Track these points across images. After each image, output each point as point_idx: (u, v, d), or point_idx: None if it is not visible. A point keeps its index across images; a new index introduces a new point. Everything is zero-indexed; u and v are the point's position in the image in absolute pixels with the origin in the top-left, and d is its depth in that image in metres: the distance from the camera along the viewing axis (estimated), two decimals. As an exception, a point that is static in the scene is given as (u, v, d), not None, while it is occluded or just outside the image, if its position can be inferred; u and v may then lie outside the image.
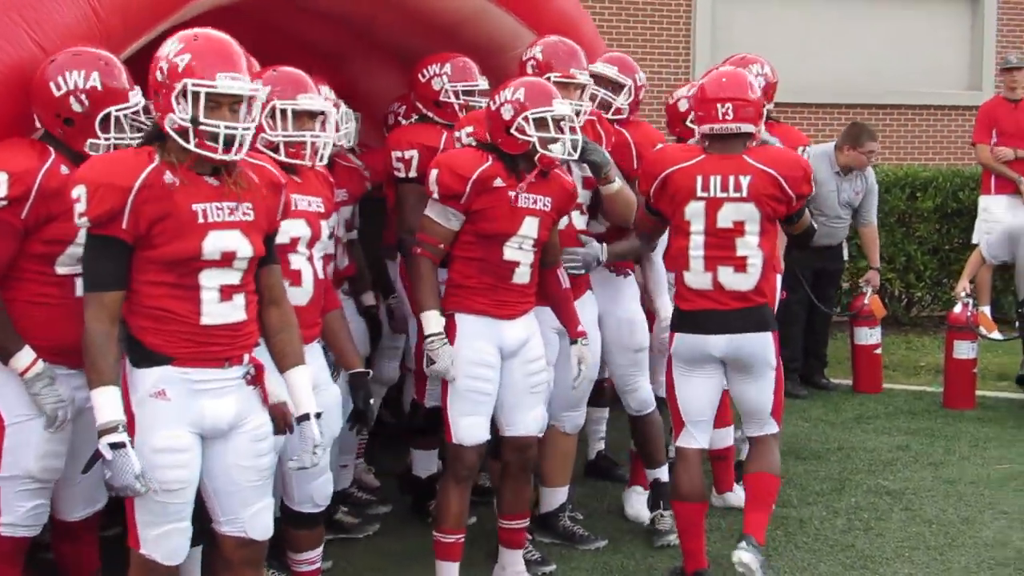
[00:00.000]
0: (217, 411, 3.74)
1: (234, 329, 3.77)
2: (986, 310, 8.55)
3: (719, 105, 4.94)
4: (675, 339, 5.14)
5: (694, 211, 5.00)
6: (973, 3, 15.17)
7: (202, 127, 3.57)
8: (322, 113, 4.43)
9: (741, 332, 5.04)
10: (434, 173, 4.77)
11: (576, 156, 4.97)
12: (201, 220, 3.65)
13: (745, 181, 4.96)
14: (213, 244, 3.67)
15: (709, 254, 5.00)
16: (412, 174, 5.59)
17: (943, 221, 11.41)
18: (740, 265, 5.01)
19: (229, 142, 3.60)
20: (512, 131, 4.77)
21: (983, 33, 15.09)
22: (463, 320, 4.84)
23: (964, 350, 8.47)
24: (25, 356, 4.03)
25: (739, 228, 4.99)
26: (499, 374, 4.91)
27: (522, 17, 6.32)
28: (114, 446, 3.50)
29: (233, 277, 3.75)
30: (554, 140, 4.79)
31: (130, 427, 3.60)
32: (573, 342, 5.11)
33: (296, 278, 4.33)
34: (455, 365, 4.77)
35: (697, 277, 5.03)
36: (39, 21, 4.12)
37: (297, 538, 4.67)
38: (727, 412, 6.12)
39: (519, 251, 4.88)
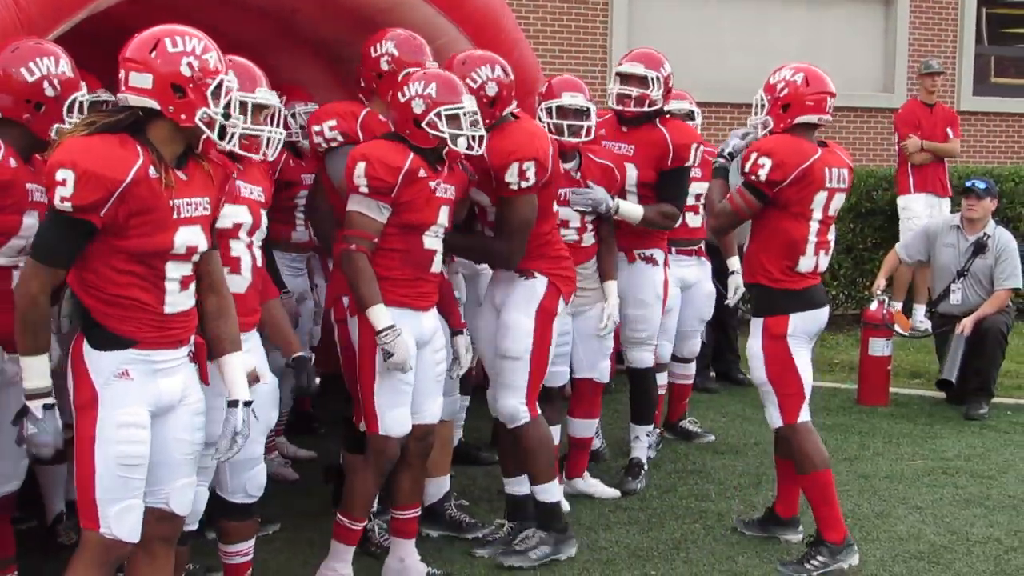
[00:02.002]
0: (170, 388, 3.86)
1: (186, 314, 3.92)
2: (898, 306, 8.72)
3: (829, 99, 5.39)
4: (791, 320, 5.38)
5: (819, 200, 5.34)
6: (886, 8, 15.43)
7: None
8: (270, 107, 4.47)
9: (827, 303, 5.64)
10: (361, 166, 4.75)
11: (481, 150, 4.99)
12: (176, 216, 3.76)
13: (846, 174, 5.49)
14: (181, 239, 3.79)
15: (819, 240, 5.39)
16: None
17: (857, 221, 11.59)
18: (828, 248, 5.52)
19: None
20: (423, 125, 4.81)
21: (896, 37, 15.36)
22: None
23: (879, 347, 8.62)
24: None
25: (836, 216, 5.54)
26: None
27: (443, 9, 6.31)
28: (47, 407, 3.71)
29: (189, 268, 3.88)
30: (460, 135, 4.86)
31: (94, 404, 3.71)
32: (456, 333, 5.24)
33: (236, 265, 4.38)
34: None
35: (808, 261, 5.43)
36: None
37: (230, 529, 4.70)
38: (597, 405, 6.40)
39: (435, 239, 4.96)
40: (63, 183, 3.56)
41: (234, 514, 4.65)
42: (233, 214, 4.34)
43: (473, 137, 4.91)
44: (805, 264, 5.40)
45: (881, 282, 8.85)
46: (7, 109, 4.21)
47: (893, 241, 10.33)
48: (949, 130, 10.94)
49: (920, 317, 8.98)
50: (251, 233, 4.45)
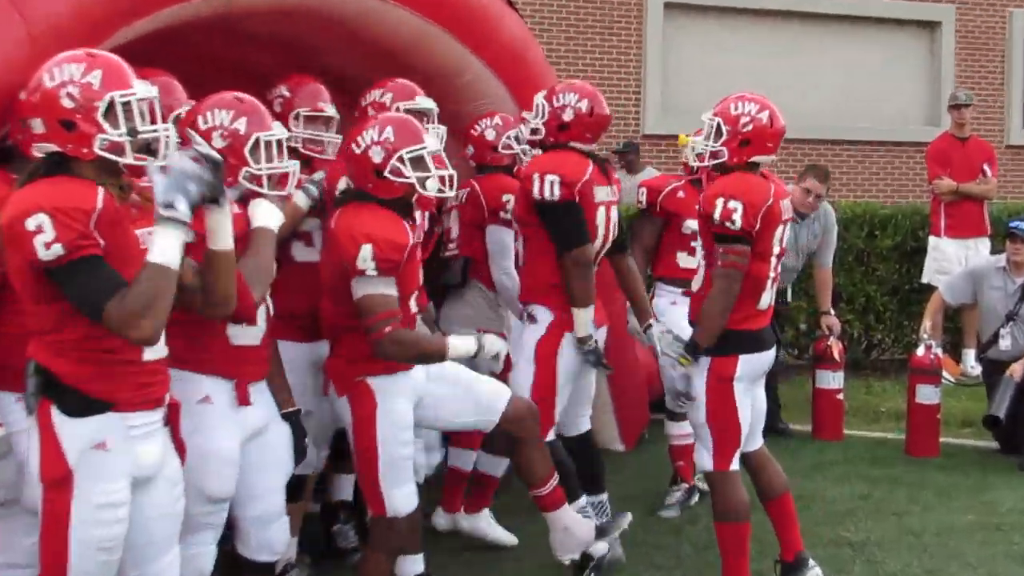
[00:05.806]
0: (149, 455, 3.70)
1: (163, 363, 3.76)
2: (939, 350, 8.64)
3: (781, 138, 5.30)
4: (741, 361, 5.24)
5: (778, 234, 5.25)
6: (931, 34, 15.40)
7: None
8: None
9: (775, 343, 5.50)
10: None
11: (452, 191, 4.93)
12: (141, 246, 3.57)
13: (789, 203, 5.40)
14: None
15: (775, 275, 5.29)
16: None
17: (903, 260, 11.41)
18: (776, 282, 5.38)
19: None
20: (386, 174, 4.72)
21: (941, 66, 15.33)
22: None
23: (927, 394, 8.49)
24: None
25: (783, 249, 5.39)
26: None
27: (468, 44, 6.42)
28: None
29: None
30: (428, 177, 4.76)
31: (66, 483, 3.53)
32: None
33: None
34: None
35: (767, 296, 5.29)
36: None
37: None
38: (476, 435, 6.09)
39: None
40: (40, 230, 3.38)
41: (256, 573, 4.59)
42: None
43: (442, 178, 4.79)
44: (766, 300, 5.30)
45: (927, 325, 8.75)
46: None
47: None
48: (986, 166, 10.75)
49: (971, 363, 8.89)
50: None
